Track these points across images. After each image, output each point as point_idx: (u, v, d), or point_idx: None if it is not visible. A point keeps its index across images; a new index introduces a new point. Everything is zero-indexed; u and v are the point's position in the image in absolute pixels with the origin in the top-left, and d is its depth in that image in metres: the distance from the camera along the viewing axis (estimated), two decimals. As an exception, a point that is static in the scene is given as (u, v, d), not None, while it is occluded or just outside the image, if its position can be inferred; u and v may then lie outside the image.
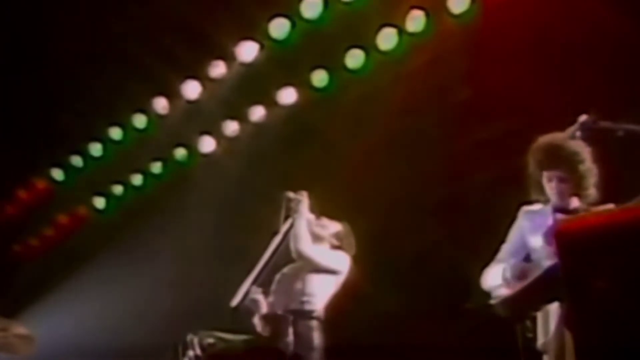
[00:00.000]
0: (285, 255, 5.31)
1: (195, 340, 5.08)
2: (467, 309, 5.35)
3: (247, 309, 5.28)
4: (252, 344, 5.21)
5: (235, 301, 5.10)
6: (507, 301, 3.83)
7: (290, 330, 5.12)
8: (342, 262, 5.35)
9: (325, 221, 5.47)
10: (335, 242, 5.45)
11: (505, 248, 4.19)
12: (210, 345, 5.11)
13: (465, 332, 6.08)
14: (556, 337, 3.76)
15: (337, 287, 5.33)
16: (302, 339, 5.12)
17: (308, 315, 5.20)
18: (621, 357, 2.93)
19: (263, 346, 5.19)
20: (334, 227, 5.48)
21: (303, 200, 5.27)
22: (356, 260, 5.50)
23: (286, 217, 5.25)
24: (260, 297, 5.28)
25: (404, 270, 6.60)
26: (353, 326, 6.30)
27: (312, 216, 5.37)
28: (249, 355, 5.17)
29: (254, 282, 5.19)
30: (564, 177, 4.02)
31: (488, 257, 4.21)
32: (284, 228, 5.22)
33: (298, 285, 5.27)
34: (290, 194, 5.29)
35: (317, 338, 5.17)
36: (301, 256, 5.23)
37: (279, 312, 5.23)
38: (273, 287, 5.41)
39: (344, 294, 5.42)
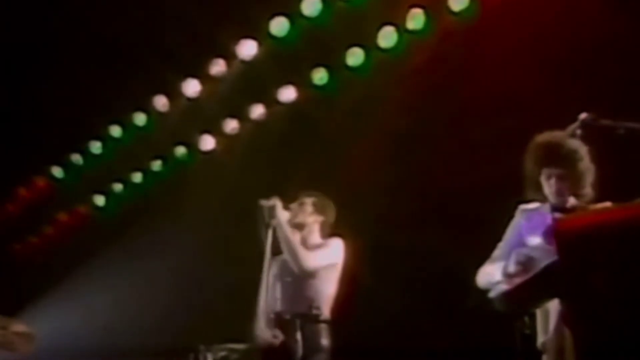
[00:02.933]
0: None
1: (209, 356, 5.08)
2: (467, 308, 5.34)
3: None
4: (263, 351, 5.20)
5: (259, 340, 5.05)
6: (506, 295, 3.82)
7: (299, 334, 5.11)
8: (338, 251, 5.32)
9: (294, 206, 5.36)
10: (319, 218, 5.40)
11: (502, 246, 4.17)
12: (223, 358, 5.10)
13: (466, 332, 6.08)
14: (555, 336, 3.75)
15: (337, 279, 5.32)
16: (310, 342, 5.11)
17: (315, 318, 5.20)
18: (620, 354, 2.94)
19: (273, 351, 5.17)
20: (308, 206, 5.41)
21: (277, 205, 5.17)
22: (356, 259, 5.50)
23: (266, 226, 5.14)
24: (267, 332, 5.22)
25: (404, 269, 6.59)
26: (356, 328, 6.30)
27: (286, 213, 5.26)
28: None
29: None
30: (563, 175, 4.00)
31: (487, 255, 4.20)
32: (267, 243, 5.10)
33: (302, 289, 5.26)
34: (263, 202, 5.18)
35: (324, 340, 5.16)
36: (307, 273, 5.18)
37: (287, 317, 5.22)
38: (274, 284, 5.37)
39: (345, 295, 5.43)
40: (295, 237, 5.21)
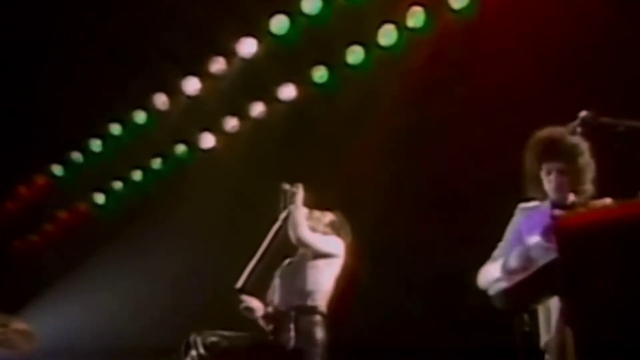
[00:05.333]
0: (283, 249, 5.37)
1: (199, 340, 5.08)
2: (467, 306, 5.34)
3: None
4: (255, 341, 5.22)
5: (239, 283, 5.25)
6: (506, 293, 3.82)
7: (292, 326, 5.13)
8: (337, 246, 5.40)
9: (317, 213, 5.52)
10: (330, 232, 5.50)
11: (502, 246, 4.16)
12: (213, 343, 5.10)
13: (465, 330, 6.07)
14: (557, 335, 3.74)
15: (335, 277, 5.35)
16: (305, 334, 5.14)
17: (310, 310, 5.22)
18: (620, 352, 2.94)
19: (266, 343, 5.20)
20: (327, 217, 5.54)
21: (298, 192, 5.35)
22: (356, 256, 5.52)
23: (284, 208, 5.36)
24: (252, 303, 5.34)
25: (404, 267, 6.59)
26: (356, 326, 6.29)
27: (305, 209, 5.43)
28: (253, 352, 5.17)
29: (257, 264, 5.28)
30: (563, 170, 3.99)
31: (488, 253, 4.19)
32: (281, 216, 5.34)
33: (299, 281, 5.30)
34: (286, 186, 5.39)
35: (319, 333, 5.18)
36: (301, 242, 5.30)
37: (282, 309, 5.24)
38: (275, 283, 5.43)
39: (345, 292, 5.44)
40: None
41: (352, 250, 5.48)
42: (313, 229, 5.41)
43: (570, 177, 3.99)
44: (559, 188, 4.00)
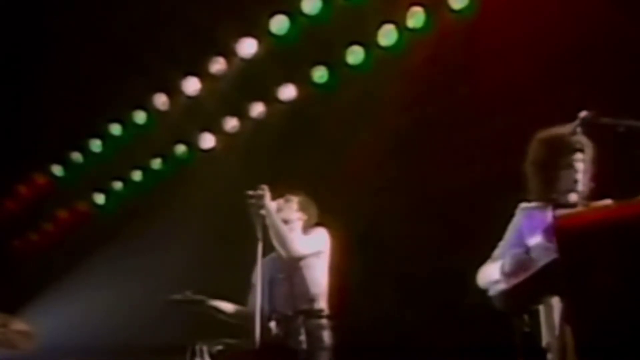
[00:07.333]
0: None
1: (205, 349, 5.06)
2: (467, 305, 5.35)
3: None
4: (260, 348, 5.15)
5: (257, 337, 4.87)
6: (505, 294, 3.81)
7: (303, 331, 5.10)
8: (323, 240, 5.33)
9: (281, 202, 5.38)
10: (304, 216, 5.42)
11: (502, 246, 4.15)
12: (220, 352, 5.08)
13: (465, 329, 6.07)
14: (558, 335, 3.74)
15: (327, 269, 5.30)
16: (314, 338, 5.11)
17: (318, 314, 5.20)
18: (620, 351, 2.94)
19: (274, 345, 5.14)
20: (294, 202, 5.43)
21: (264, 194, 5.13)
22: (355, 257, 5.51)
23: (254, 214, 5.12)
24: (221, 304, 5.31)
25: (404, 266, 6.60)
26: (354, 325, 6.30)
27: (274, 204, 5.24)
28: (260, 355, 5.13)
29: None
30: (585, 160, 3.97)
31: (488, 253, 4.19)
32: (258, 233, 5.07)
33: (301, 284, 5.25)
34: (250, 192, 5.15)
35: (327, 337, 5.16)
36: (294, 258, 5.19)
37: (289, 313, 5.19)
38: (268, 283, 5.35)
39: (342, 292, 5.43)
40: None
41: (341, 242, 5.42)
42: (286, 221, 5.27)
43: (587, 168, 3.98)
44: (577, 180, 3.96)
